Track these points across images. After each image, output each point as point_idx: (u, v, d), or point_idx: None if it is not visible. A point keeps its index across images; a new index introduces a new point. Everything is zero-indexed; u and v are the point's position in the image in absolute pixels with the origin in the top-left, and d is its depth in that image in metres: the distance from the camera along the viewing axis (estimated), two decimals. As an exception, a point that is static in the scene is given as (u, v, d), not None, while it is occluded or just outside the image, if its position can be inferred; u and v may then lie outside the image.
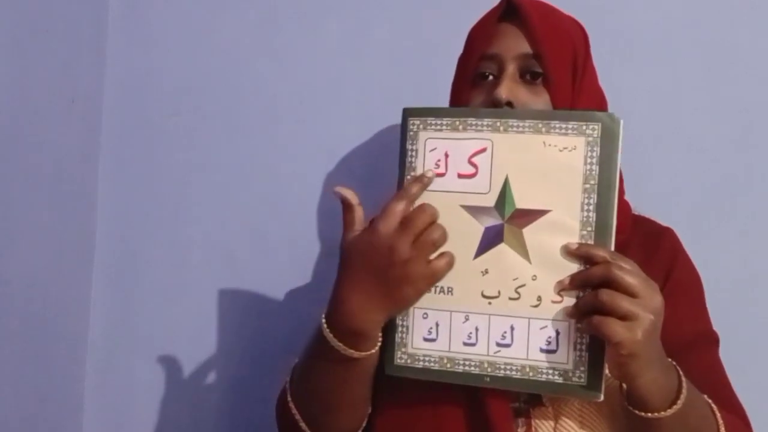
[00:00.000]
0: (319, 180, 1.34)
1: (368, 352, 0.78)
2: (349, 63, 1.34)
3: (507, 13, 0.90)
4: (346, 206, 0.79)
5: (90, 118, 1.40)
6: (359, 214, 0.79)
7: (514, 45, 0.88)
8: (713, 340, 0.91)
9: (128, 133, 1.42)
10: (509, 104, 0.85)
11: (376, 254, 0.75)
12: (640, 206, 0.97)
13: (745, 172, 1.19)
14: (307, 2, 1.36)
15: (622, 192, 0.93)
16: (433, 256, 0.76)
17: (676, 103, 1.22)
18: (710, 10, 1.21)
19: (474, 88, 0.90)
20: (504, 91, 0.85)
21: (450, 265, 0.76)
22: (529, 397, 0.83)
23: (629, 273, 0.71)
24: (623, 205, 0.93)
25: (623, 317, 0.69)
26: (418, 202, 0.77)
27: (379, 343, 0.80)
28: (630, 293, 0.70)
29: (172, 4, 1.41)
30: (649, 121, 1.22)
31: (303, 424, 0.86)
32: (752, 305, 1.17)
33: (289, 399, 0.87)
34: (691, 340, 0.87)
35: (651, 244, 0.92)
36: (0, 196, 1.18)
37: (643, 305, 0.70)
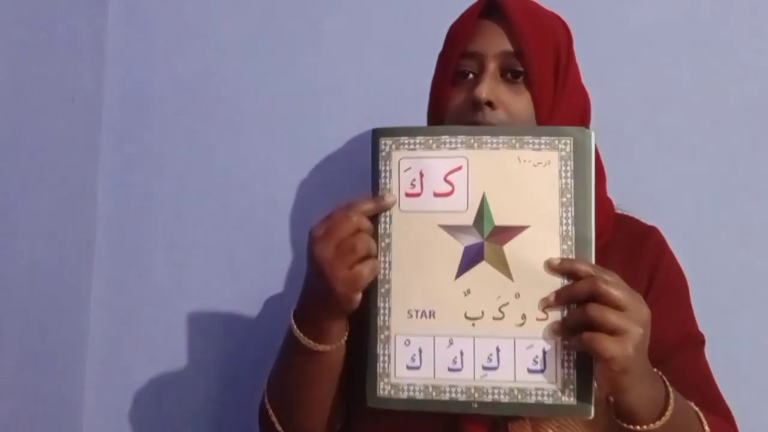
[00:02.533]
0: (319, 180, 1.34)
1: (332, 345, 0.80)
2: (349, 63, 1.34)
3: (488, 10, 0.89)
4: None
5: (90, 118, 1.40)
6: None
7: (495, 42, 0.87)
8: (699, 342, 0.91)
9: (128, 133, 1.42)
10: (489, 104, 0.84)
11: (308, 258, 0.77)
12: (635, 206, 0.96)
13: (745, 172, 1.19)
14: (307, 2, 1.36)
15: (603, 190, 0.93)
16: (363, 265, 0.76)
17: (676, 103, 1.22)
18: (710, 10, 1.21)
19: (454, 87, 0.89)
20: (484, 90, 0.84)
21: (373, 271, 0.76)
22: None
23: (615, 286, 0.70)
24: (605, 204, 0.92)
25: (612, 332, 0.69)
26: (396, 223, 0.77)
27: (344, 339, 0.81)
28: (617, 307, 0.69)
29: (172, 5, 1.41)
30: (648, 120, 1.22)
31: (278, 426, 0.87)
32: (752, 305, 1.17)
33: (266, 400, 0.89)
34: (677, 342, 0.87)
35: (634, 245, 0.91)
36: (0, 196, 1.18)
37: (631, 318, 0.69)
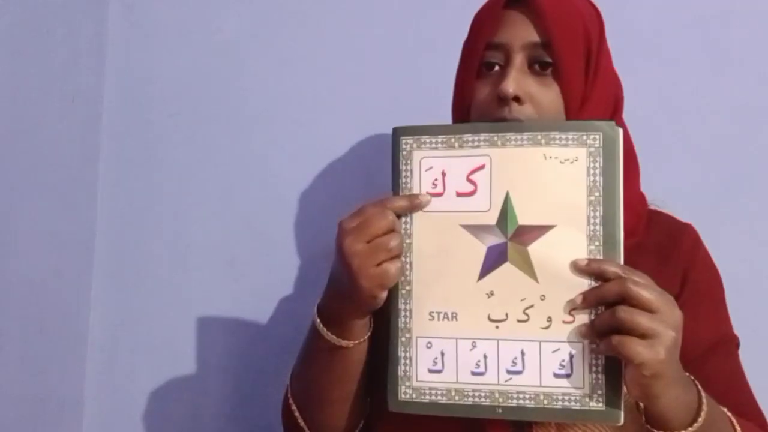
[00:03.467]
0: (318, 180, 1.34)
1: (355, 342, 0.79)
2: (349, 63, 1.34)
3: None
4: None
5: (90, 118, 1.40)
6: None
7: (521, 33, 0.82)
8: (734, 344, 0.88)
9: (128, 133, 1.42)
10: (516, 99, 0.80)
11: (337, 249, 0.76)
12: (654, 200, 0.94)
13: (745, 171, 1.19)
14: (307, 2, 1.36)
15: (637, 185, 0.89)
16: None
17: (676, 103, 1.22)
18: (711, 9, 1.21)
19: (479, 79, 0.85)
20: (511, 85, 0.80)
21: (400, 271, 0.75)
22: None
23: (645, 288, 0.68)
24: (638, 200, 0.88)
25: (643, 335, 0.66)
26: (417, 223, 0.76)
27: (368, 335, 0.80)
28: (648, 309, 0.67)
29: (172, 4, 1.41)
30: (649, 120, 1.21)
31: (301, 422, 0.86)
32: (752, 306, 1.17)
33: (289, 396, 0.87)
34: (710, 345, 0.84)
35: (668, 242, 0.87)
36: (0, 196, 1.18)
37: (663, 321, 0.66)
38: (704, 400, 0.72)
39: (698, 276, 0.87)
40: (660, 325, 0.66)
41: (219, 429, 1.36)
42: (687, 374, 0.73)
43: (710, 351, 0.84)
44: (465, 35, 0.92)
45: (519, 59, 0.82)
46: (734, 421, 0.77)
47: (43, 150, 1.27)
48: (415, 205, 0.75)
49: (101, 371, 1.40)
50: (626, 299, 0.68)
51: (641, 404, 0.73)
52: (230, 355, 1.36)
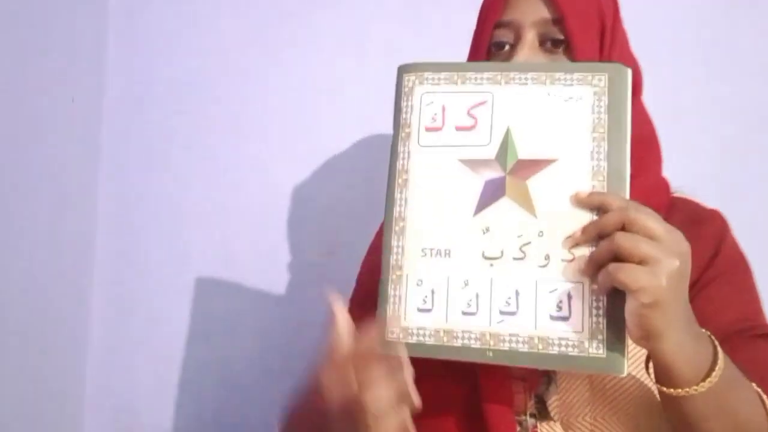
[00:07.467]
0: (318, 180, 1.34)
1: None
2: (349, 63, 1.34)
3: None
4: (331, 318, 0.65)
5: (90, 118, 1.40)
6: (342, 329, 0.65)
7: (532, 10, 0.79)
8: (761, 332, 0.78)
9: (128, 133, 1.42)
10: None
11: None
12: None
13: (745, 172, 1.19)
14: (307, 2, 1.36)
15: (659, 170, 0.86)
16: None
17: (676, 103, 1.22)
18: (710, 10, 1.22)
19: (489, 59, 0.82)
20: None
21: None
22: (536, 409, 0.75)
23: (649, 215, 0.62)
24: (659, 186, 0.85)
25: (643, 261, 0.60)
26: (414, 158, 0.71)
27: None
28: (650, 236, 0.61)
29: (172, 5, 1.41)
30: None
31: None
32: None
33: None
34: (735, 329, 0.76)
35: (691, 229, 0.78)
36: (0, 196, 1.18)
37: (666, 248, 0.60)
38: (720, 356, 0.64)
39: (722, 261, 0.81)
40: (661, 252, 0.60)
41: (218, 428, 1.36)
42: (703, 330, 0.66)
43: (734, 334, 0.76)
44: (468, 32, 0.91)
45: (530, 37, 0.79)
46: (764, 397, 0.69)
47: (43, 150, 1.28)
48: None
49: (101, 371, 1.40)
50: (627, 227, 0.62)
51: (650, 365, 0.67)
52: (229, 354, 1.36)
